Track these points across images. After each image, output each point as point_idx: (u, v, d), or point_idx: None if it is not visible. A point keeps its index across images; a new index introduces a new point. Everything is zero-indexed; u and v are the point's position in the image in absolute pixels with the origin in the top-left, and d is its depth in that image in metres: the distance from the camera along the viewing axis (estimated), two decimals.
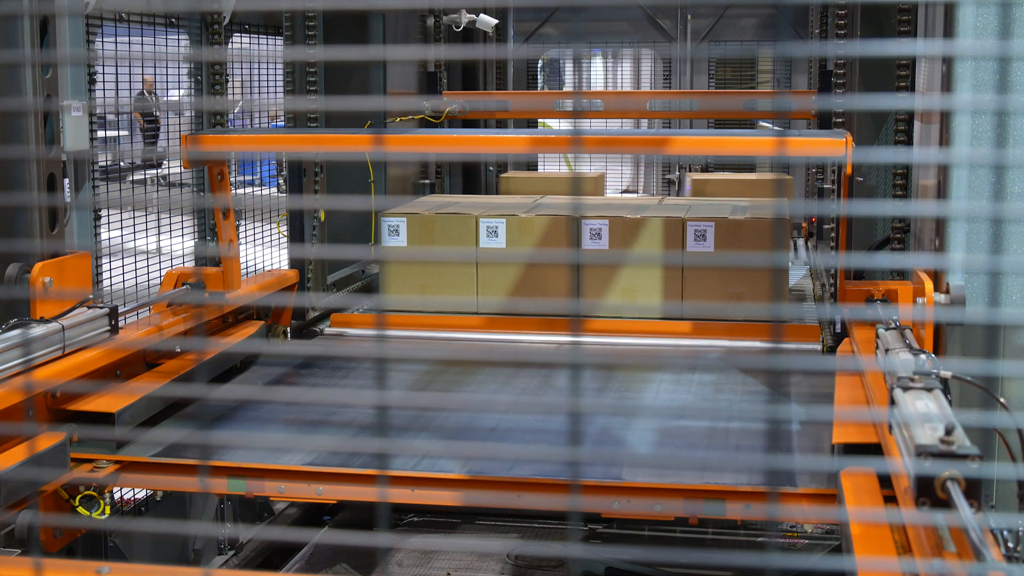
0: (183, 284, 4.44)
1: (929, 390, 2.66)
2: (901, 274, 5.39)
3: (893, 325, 3.50)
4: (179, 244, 5.64)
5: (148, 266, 5.40)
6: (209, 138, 4.46)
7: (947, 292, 3.42)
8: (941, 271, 3.50)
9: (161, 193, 8.36)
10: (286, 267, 5.99)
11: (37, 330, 3.60)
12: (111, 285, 5.06)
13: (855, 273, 4.84)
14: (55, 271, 3.85)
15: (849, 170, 3.99)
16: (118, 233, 5.17)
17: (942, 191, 3.53)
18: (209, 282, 4.58)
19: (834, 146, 3.91)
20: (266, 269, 6.10)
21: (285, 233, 6.40)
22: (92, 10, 4.66)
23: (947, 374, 2.74)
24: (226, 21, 5.52)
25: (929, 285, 3.45)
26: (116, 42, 5.09)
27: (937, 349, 3.47)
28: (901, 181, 5.48)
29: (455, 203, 6.22)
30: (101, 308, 3.90)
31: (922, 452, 2.25)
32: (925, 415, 2.46)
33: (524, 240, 5.63)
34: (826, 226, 6.54)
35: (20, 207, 4.06)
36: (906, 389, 2.65)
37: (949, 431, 2.28)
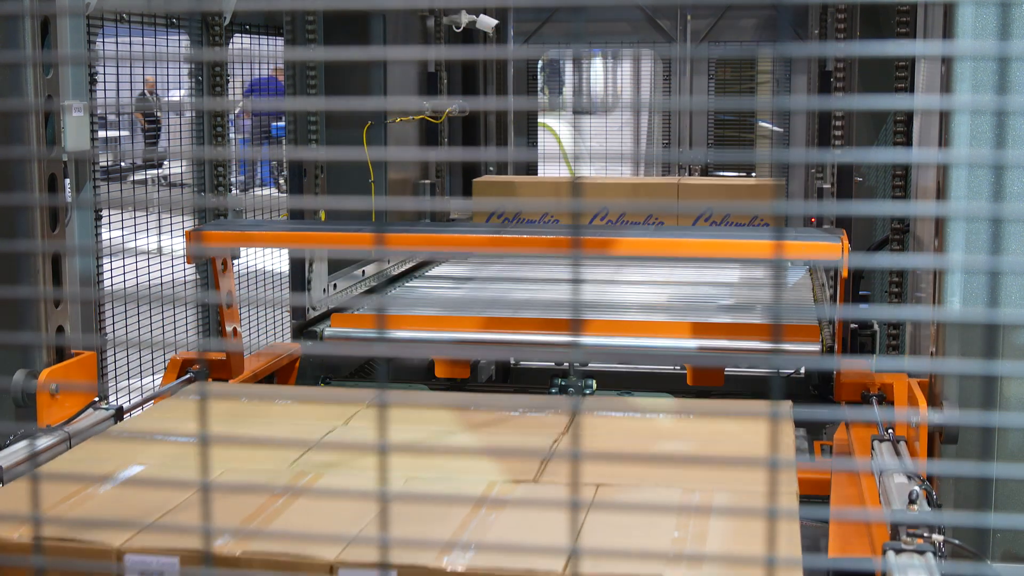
0: (187, 371, 4.37)
1: (921, 553, 2.61)
2: (901, 275, 5.39)
3: (887, 437, 3.38)
4: (179, 244, 5.65)
5: (149, 268, 5.41)
6: (213, 235, 4.46)
7: (941, 407, 3.27)
8: (936, 376, 3.34)
9: (161, 193, 8.38)
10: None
11: (43, 441, 3.57)
12: (111, 286, 5.07)
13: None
14: (61, 375, 3.85)
15: (845, 274, 4.04)
16: (119, 233, 5.18)
17: (941, 191, 3.53)
18: (213, 368, 4.54)
19: (830, 250, 3.93)
20: (268, 344, 5.83)
21: None
22: (93, 10, 4.67)
23: (939, 538, 2.68)
24: (226, 21, 5.53)
25: (923, 402, 3.32)
26: (117, 42, 5.10)
27: (932, 451, 3.33)
28: (901, 181, 5.49)
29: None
30: (106, 409, 3.86)
31: None
32: None
33: None
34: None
35: (21, 207, 4.06)
36: (898, 552, 2.61)
37: None
